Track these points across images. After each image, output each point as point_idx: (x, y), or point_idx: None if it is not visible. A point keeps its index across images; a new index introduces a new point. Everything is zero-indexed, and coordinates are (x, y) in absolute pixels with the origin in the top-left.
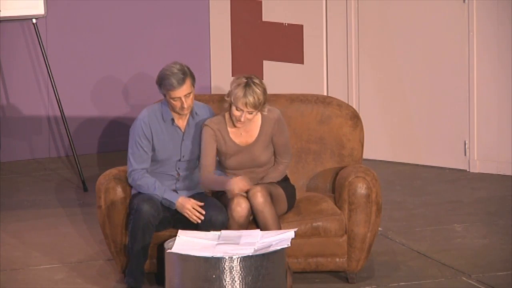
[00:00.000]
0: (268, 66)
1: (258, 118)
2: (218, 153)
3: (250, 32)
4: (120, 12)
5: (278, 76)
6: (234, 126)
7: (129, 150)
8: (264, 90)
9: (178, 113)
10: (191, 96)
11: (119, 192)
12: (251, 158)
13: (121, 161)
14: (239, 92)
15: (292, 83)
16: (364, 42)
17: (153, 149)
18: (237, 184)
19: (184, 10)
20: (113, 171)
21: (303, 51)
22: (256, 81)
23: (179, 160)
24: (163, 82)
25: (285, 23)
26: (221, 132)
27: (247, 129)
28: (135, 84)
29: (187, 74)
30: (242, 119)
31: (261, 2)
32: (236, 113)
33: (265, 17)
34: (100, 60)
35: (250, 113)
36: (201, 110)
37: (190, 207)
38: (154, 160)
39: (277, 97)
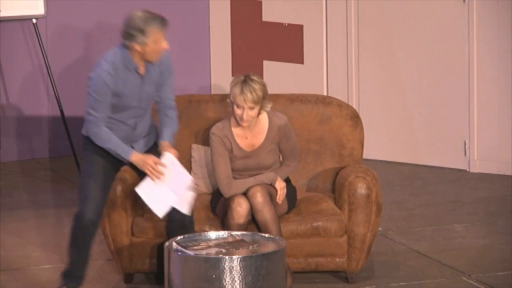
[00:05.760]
0: (268, 66)
1: (264, 122)
2: None
3: (250, 32)
4: (120, 12)
5: (278, 76)
6: (240, 128)
7: (90, 99)
8: (262, 85)
9: (150, 61)
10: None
11: (119, 192)
12: (257, 162)
13: None
14: (237, 89)
15: (292, 83)
16: (364, 42)
17: (115, 96)
18: (282, 188)
19: (184, 10)
20: None
21: (303, 51)
22: (254, 77)
23: (138, 106)
24: (148, 24)
25: (285, 23)
26: (228, 137)
27: (253, 132)
28: None
29: (165, 19)
30: (245, 117)
31: (261, 2)
32: (238, 111)
33: (265, 17)
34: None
35: (251, 108)
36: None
37: (153, 163)
38: (114, 106)
39: (277, 97)
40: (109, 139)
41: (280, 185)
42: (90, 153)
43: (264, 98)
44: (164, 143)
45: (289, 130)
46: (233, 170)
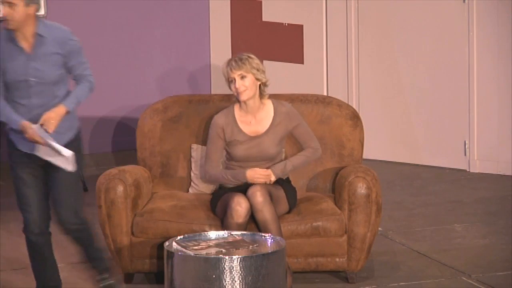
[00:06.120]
0: (268, 66)
1: (269, 109)
2: (227, 143)
3: (250, 32)
4: (120, 13)
5: (278, 76)
6: (243, 112)
7: None
8: (250, 57)
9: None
10: (16, 8)
11: (119, 192)
12: (259, 150)
13: (121, 161)
14: (224, 65)
15: (292, 83)
16: (364, 42)
17: (3, 70)
18: (255, 172)
19: (184, 10)
20: (113, 171)
21: (303, 51)
22: (242, 53)
23: (26, 84)
24: None
25: (285, 23)
26: (230, 124)
27: (257, 119)
28: (135, 84)
29: None
30: (237, 86)
31: (261, 2)
32: (232, 87)
33: (265, 17)
34: (100, 59)
35: (242, 77)
36: (48, 30)
37: (30, 134)
38: (6, 83)
39: (277, 97)
40: (1, 110)
41: (256, 174)
42: (14, 165)
43: (254, 68)
44: (61, 106)
45: (297, 115)
46: (234, 159)
